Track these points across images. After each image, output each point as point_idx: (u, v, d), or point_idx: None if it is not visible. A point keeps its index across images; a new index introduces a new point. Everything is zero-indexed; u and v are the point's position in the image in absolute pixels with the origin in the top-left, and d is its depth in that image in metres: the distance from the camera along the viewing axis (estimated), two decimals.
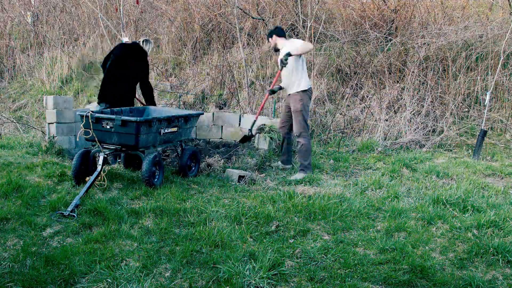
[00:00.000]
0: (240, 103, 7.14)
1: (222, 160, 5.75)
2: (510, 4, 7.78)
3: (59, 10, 10.77)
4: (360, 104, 7.28)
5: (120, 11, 8.27)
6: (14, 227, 3.61)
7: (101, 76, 5.94)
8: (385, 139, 6.53)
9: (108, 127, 4.49)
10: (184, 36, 9.02)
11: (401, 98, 7.16)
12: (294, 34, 8.51)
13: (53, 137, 5.92)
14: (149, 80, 5.80)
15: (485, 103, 6.68)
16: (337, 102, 7.35)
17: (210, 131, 6.78)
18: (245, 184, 5.09)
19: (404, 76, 7.48)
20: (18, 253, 3.17)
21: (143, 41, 5.60)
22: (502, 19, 8.34)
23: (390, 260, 3.20)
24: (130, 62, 5.47)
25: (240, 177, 5.26)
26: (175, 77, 8.34)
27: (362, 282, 2.94)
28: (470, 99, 7.34)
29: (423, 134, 6.66)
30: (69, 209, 3.89)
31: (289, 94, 5.37)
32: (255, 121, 5.80)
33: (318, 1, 8.07)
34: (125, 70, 5.46)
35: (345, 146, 6.37)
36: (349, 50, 8.07)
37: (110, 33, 9.20)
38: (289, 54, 5.07)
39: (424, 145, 6.46)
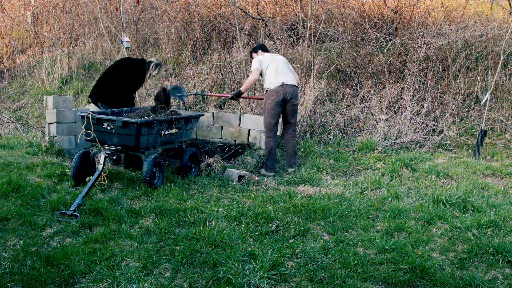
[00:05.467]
0: (240, 103, 7.14)
1: (222, 160, 5.76)
2: (510, 4, 7.77)
3: (59, 10, 10.77)
4: (360, 104, 7.28)
5: (120, 11, 8.27)
6: (14, 227, 3.61)
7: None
8: (385, 139, 6.52)
9: (109, 128, 4.49)
10: (184, 36, 9.02)
11: (401, 98, 7.16)
12: (294, 34, 8.52)
13: (53, 137, 5.92)
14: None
15: (482, 102, 6.68)
16: (337, 102, 7.35)
17: (210, 131, 6.78)
18: (246, 184, 5.09)
19: (404, 76, 7.48)
20: (18, 253, 3.17)
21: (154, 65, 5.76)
22: (502, 19, 8.34)
23: (390, 260, 3.20)
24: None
25: (240, 177, 5.26)
26: (175, 77, 8.34)
27: (362, 282, 2.94)
28: (470, 99, 7.33)
29: (423, 134, 6.66)
30: (72, 208, 3.89)
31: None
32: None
33: (318, 1, 8.06)
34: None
35: (345, 146, 6.37)
36: (349, 50, 8.06)
37: (110, 33, 9.20)
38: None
39: (424, 145, 6.45)
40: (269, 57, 5.70)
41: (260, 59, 5.67)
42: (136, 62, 5.76)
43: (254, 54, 5.89)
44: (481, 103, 6.79)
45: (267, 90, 5.55)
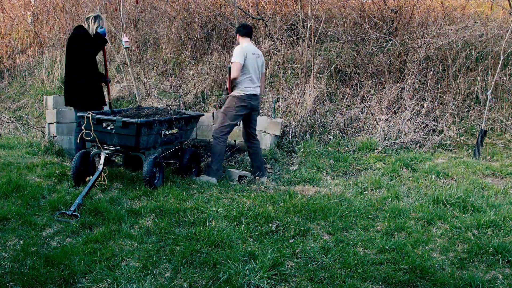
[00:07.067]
0: None
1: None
2: (510, 4, 7.77)
3: (59, 10, 10.77)
4: (360, 104, 7.28)
5: (120, 11, 8.27)
6: (14, 227, 3.61)
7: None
8: (385, 139, 6.52)
9: (108, 128, 4.49)
10: (184, 36, 9.02)
11: (401, 98, 7.15)
12: (294, 34, 8.52)
13: (53, 137, 5.92)
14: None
15: (487, 99, 6.68)
16: (337, 102, 7.35)
17: (210, 131, 6.78)
18: (246, 183, 5.09)
19: (404, 76, 7.48)
20: (18, 253, 3.17)
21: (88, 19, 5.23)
22: (502, 19, 8.34)
23: (390, 260, 3.20)
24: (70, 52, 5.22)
25: (240, 177, 5.26)
26: (175, 77, 8.34)
27: (362, 282, 2.94)
28: (470, 99, 7.33)
29: (423, 134, 6.66)
30: (72, 208, 3.90)
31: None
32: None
33: (318, 1, 8.06)
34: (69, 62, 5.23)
35: (345, 146, 6.37)
36: (349, 50, 8.06)
37: (110, 33, 9.19)
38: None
39: (424, 145, 6.45)
40: (251, 52, 5.20)
41: (244, 51, 5.12)
42: (74, 33, 5.25)
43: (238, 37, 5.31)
44: (487, 101, 6.72)
45: (237, 96, 5.19)
